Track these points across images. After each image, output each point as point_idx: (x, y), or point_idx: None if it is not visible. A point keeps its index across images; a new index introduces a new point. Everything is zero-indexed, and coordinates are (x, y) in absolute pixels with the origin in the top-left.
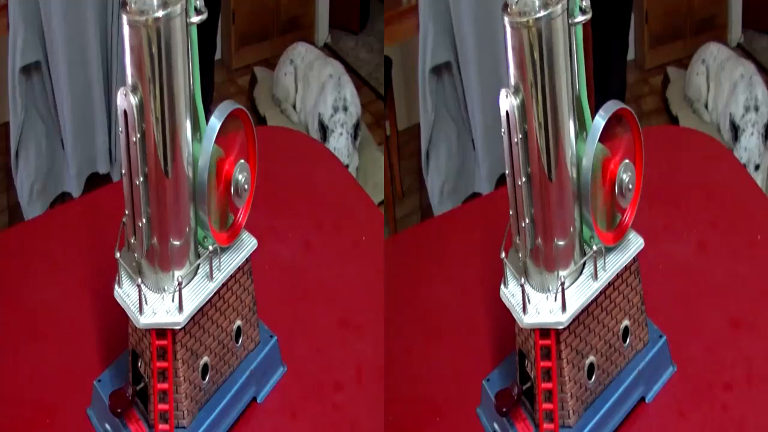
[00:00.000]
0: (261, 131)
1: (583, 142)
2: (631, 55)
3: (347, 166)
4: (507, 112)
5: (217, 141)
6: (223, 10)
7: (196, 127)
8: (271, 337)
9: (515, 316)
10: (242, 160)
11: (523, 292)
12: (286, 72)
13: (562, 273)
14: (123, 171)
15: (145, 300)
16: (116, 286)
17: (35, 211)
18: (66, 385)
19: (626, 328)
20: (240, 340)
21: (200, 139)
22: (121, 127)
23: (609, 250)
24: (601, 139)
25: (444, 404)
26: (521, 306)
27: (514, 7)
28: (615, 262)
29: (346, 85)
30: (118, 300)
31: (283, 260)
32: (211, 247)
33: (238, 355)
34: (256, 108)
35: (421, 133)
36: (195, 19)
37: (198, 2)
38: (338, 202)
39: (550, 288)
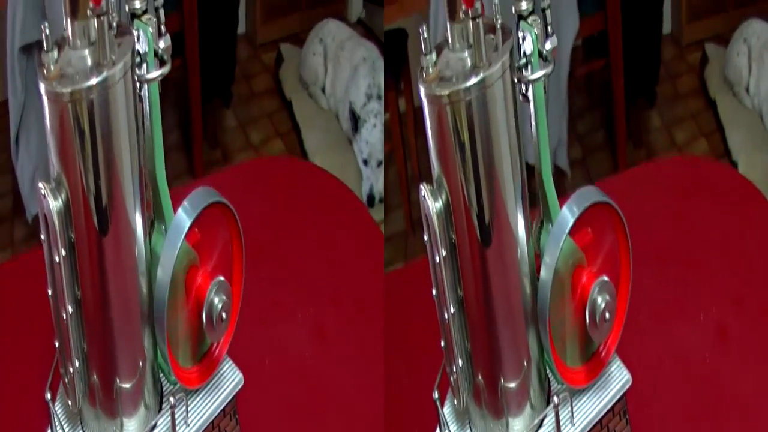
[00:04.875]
0: (265, 164)
1: (548, 234)
2: (667, 29)
3: (380, 163)
4: (427, 217)
5: (190, 240)
6: None
7: (160, 217)
8: None
9: None
10: (220, 277)
11: None
12: (314, 52)
13: (514, 423)
14: (49, 292)
15: None
16: None
17: (36, 203)
18: None
19: None
20: None
21: (165, 232)
22: (42, 236)
23: (581, 391)
24: (575, 238)
25: None
26: None
27: (431, 70)
28: (590, 410)
29: (381, 70)
30: None
31: (288, 354)
32: (173, 399)
33: None
34: (282, 90)
35: None
36: (154, 73)
37: (161, 45)
38: (362, 265)
39: None
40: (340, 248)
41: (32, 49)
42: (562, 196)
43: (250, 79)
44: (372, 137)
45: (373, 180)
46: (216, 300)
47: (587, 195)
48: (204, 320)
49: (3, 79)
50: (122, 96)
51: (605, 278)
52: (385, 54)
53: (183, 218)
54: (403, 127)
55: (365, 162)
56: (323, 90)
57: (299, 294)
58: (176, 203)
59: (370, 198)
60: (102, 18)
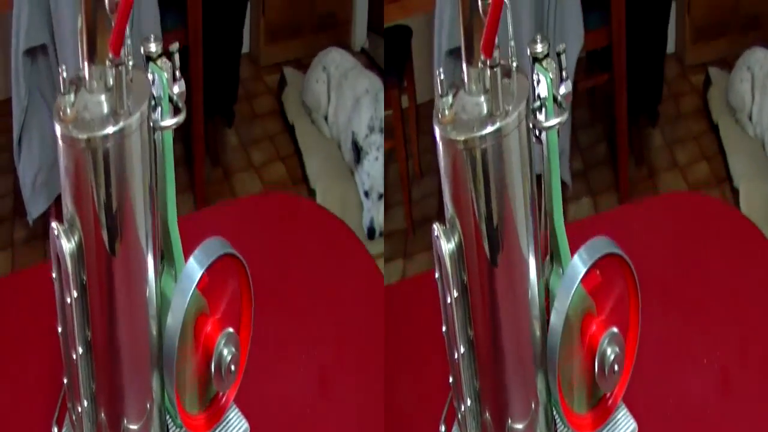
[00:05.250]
0: (268, 201)
1: (558, 280)
2: (670, 48)
3: (381, 196)
4: (439, 256)
5: (199, 285)
6: None
7: (170, 260)
8: None
9: None
10: (230, 329)
11: None
12: (318, 79)
13: None
14: (59, 329)
15: None
16: None
17: (38, 205)
18: None
19: None
20: None
21: (176, 278)
22: (54, 275)
23: None
24: (584, 280)
25: None
26: None
27: (447, 112)
28: None
29: (383, 102)
30: None
31: (291, 399)
32: None
33: None
34: (284, 114)
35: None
36: (169, 121)
37: (175, 91)
38: (363, 308)
39: None
40: (341, 291)
41: (36, 53)
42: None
43: (252, 100)
44: (373, 170)
45: (374, 213)
46: (225, 351)
47: (599, 246)
48: (213, 371)
49: (5, 78)
50: (137, 144)
51: (615, 330)
52: (387, 50)
53: (194, 268)
54: (405, 125)
55: (366, 194)
56: (326, 118)
57: (302, 337)
58: (180, 232)
59: (371, 231)
60: (120, 67)
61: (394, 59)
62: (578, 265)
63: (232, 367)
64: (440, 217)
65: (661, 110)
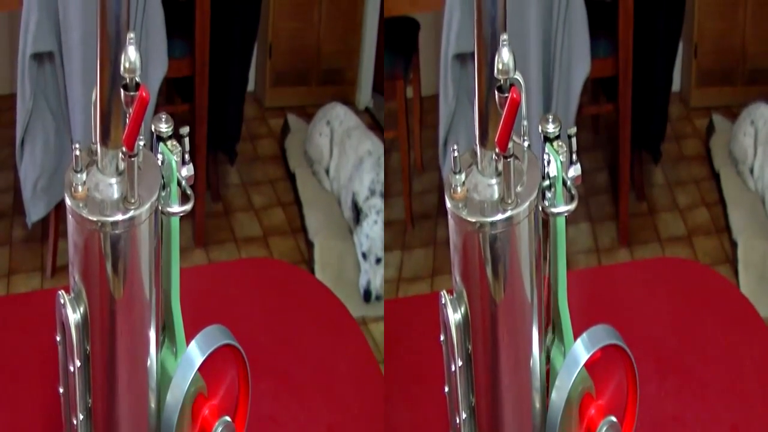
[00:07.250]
0: (255, 266)
1: (559, 354)
2: (675, 86)
3: (379, 260)
4: (445, 324)
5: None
6: (259, 40)
7: (171, 334)
8: None
9: None
10: (227, 418)
11: None
12: (321, 132)
13: None
14: (60, 390)
15: None
16: None
17: (38, 209)
18: None
19: None
20: None
21: (176, 353)
22: (58, 339)
23: None
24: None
25: None
26: None
27: (459, 189)
28: None
29: (383, 167)
30: None
31: None
32: None
33: None
34: (286, 161)
35: (440, 121)
36: (177, 209)
37: (184, 174)
38: (360, 396)
39: None
40: (334, 375)
41: (43, 57)
42: None
43: (254, 140)
44: (373, 233)
45: (371, 275)
46: None
47: (602, 335)
48: None
49: (12, 72)
50: (146, 231)
51: (614, 419)
52: (394, 40)
53: (195, 353)
54: (409, 115)
55: (364, 255)
56: (327, 171)
57: (295, 421)
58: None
59: (367, 293)
60: (132, 159)
61: (399, 48)
62: (581, 351)
63: None
64: (439, 214)
65: (663, 149)
